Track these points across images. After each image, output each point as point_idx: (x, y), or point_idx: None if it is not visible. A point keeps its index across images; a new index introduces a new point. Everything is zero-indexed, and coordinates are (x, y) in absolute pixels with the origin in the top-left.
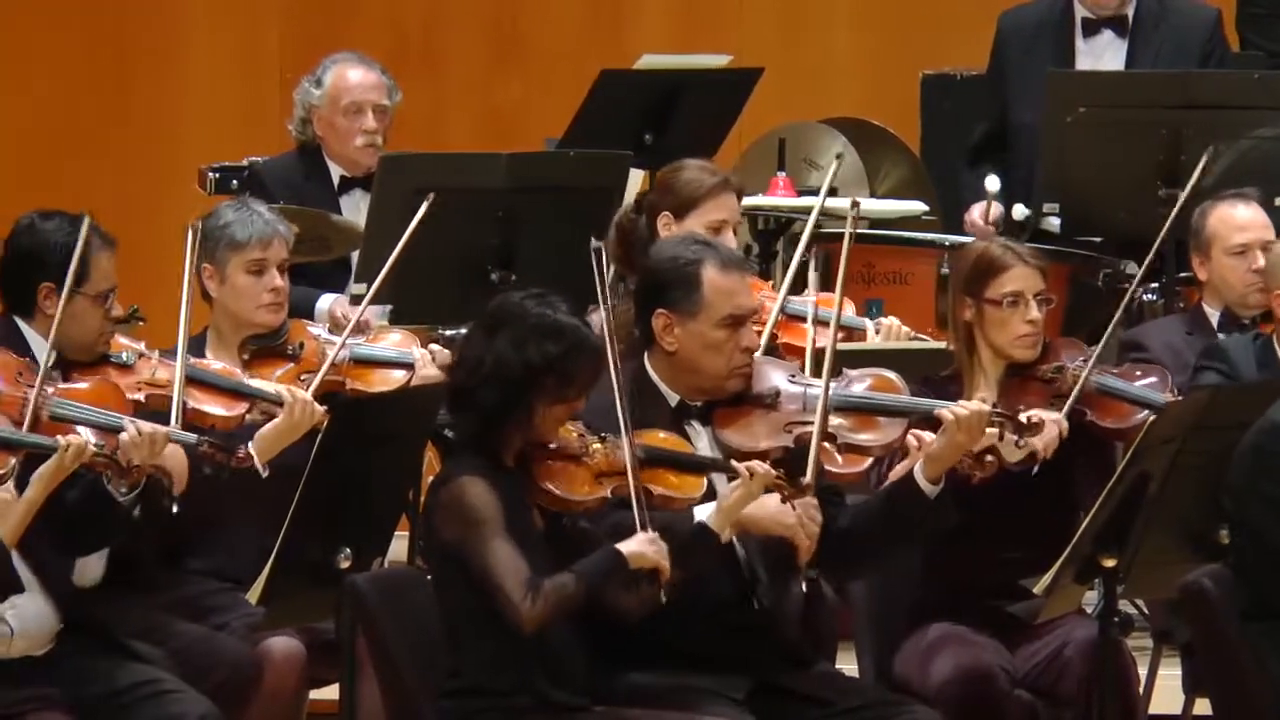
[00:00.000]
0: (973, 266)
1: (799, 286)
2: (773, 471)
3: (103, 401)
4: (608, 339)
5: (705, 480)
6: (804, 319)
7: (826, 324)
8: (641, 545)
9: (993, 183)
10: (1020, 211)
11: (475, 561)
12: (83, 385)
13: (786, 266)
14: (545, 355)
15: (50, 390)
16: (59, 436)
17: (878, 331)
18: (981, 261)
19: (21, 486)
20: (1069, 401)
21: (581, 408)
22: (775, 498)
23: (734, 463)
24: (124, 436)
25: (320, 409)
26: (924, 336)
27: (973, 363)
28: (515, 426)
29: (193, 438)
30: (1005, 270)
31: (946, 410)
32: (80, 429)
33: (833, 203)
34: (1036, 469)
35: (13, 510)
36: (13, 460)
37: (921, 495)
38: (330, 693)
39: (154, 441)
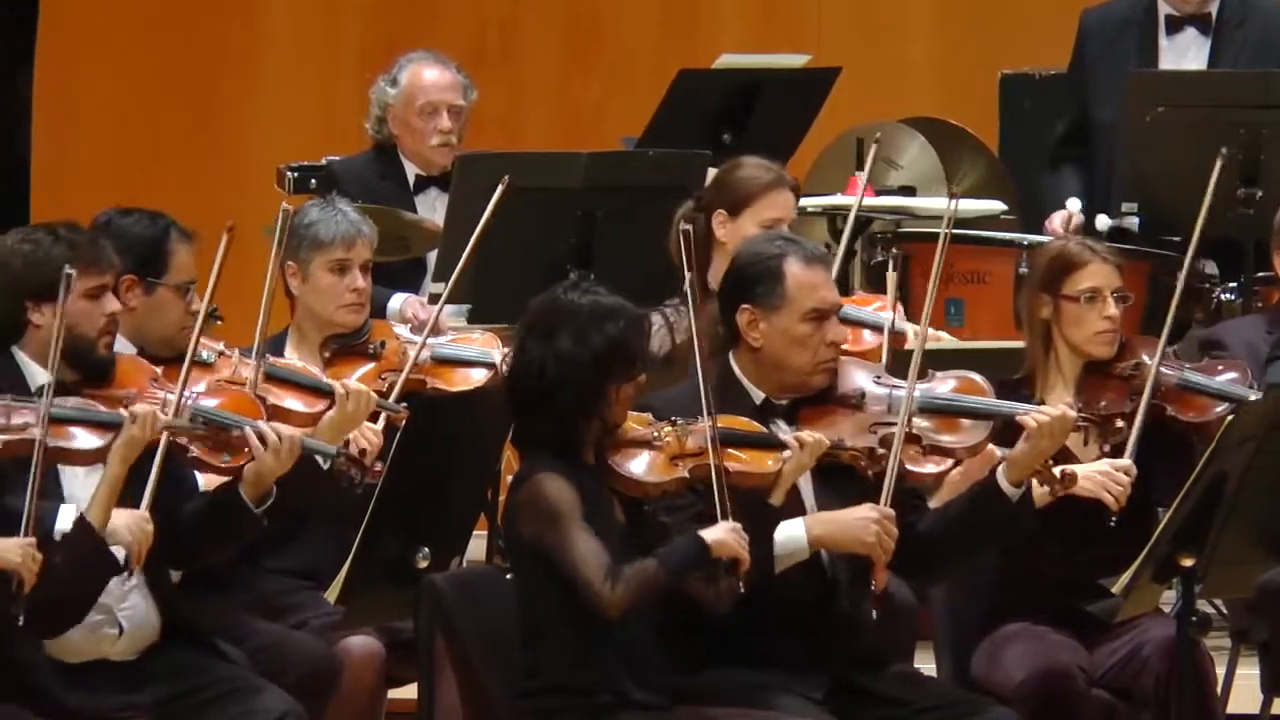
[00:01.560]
0: (1050, 263)
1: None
2: (825, 440)
3: (240, 410)
4: (693, 323)
5: (779, 457)
6: (857, 323)
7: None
8: (724, 533)
9: (1074, 204)
10: (1104, 222)
11: (556, 555)
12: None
13: (864, 266)
14: (608, 337)
15: (190, 397)
16: (122, 409)
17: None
18: (1060, 258)
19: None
20: (1145, 395)
21: (644, 383)
22: (849, 515)
23: (784, 436)
24: (254, 439)
25: (373, 394)
26: (943, 335)
27: (1048, 362)
28: (591, 418)
29: (332, 449)
30: (1083, 266)
31: (1029, 417)
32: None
33: (916, 202)
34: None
35: (96, 493)
36: (101, 440)
37: (1004, 499)
38: (408, 692)
39: (289, 446)
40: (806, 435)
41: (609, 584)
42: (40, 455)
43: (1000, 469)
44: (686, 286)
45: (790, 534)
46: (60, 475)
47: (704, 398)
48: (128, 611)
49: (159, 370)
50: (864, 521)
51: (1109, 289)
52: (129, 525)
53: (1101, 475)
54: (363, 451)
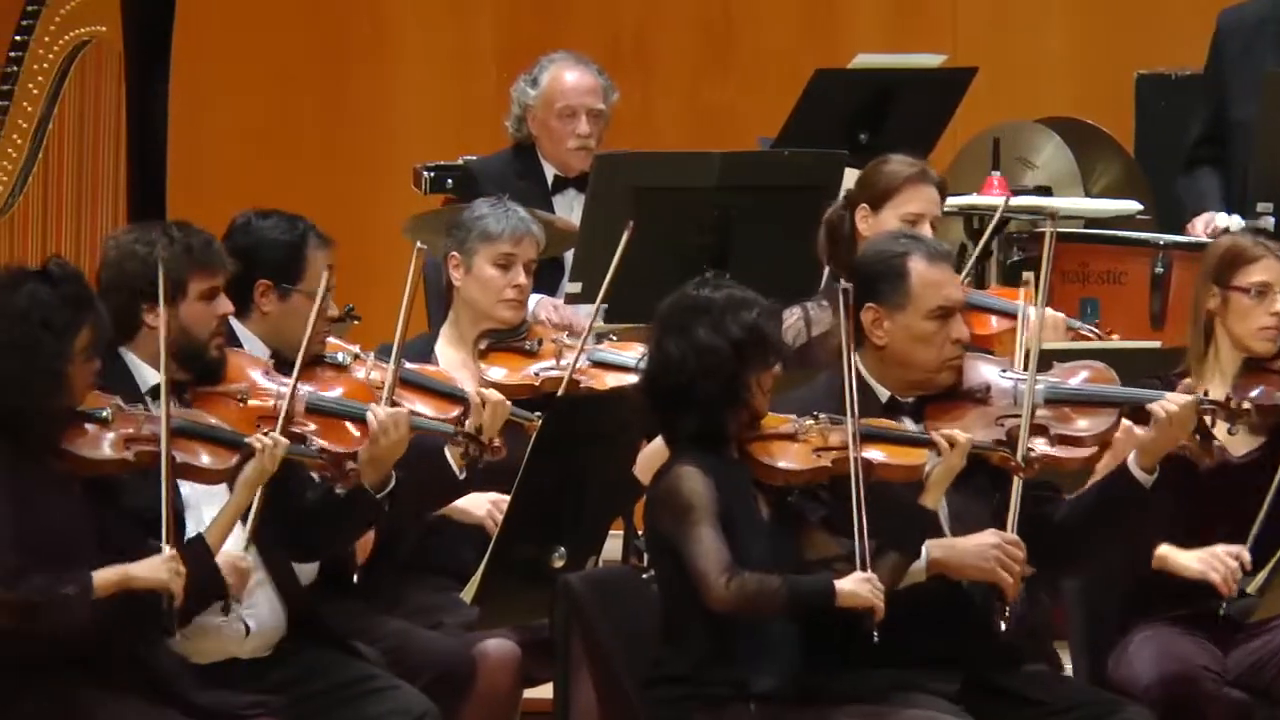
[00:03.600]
0: (1222, 255)
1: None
2: (972, 439)
3: (349, 395)
4: (843, 322)
5: (924, 454)
6: (985, 310)
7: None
8: (856, 584)
9: (1224, 218)
10: (1237, 223)
11: (681, 547)
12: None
13: (1001, 266)
14: (745, 325)
15: (303, 389)
16: (253, 437)
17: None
18: (1232, 251)
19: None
20: None
21: (780, 371)
22: (971, 542)
23: (933, 434)
24: (369, 420)
25: (509, 403)
26: (1075, 322)
27: (1208, 355)
28: (734, 409)
29: (446, 426)
30: (1255, 260)
31: (1157, 405)
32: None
33: (1046, 201)
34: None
35: (218, 518)
36: (233, 460)
37: (1137, 485)
38: (544, 692)
39: (398, 424)
40: (958, 434)
41: (725, 579)
42: (169, 469)
43: (1131, 456)
44: (840, 284)
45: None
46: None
47: (848, 392)
48: (252, 611)
49: (270, 363)
50: (984, 549)
51: (1278, 286)
52: (224, 566)
53: (1210, 556)
54: (479, 429)
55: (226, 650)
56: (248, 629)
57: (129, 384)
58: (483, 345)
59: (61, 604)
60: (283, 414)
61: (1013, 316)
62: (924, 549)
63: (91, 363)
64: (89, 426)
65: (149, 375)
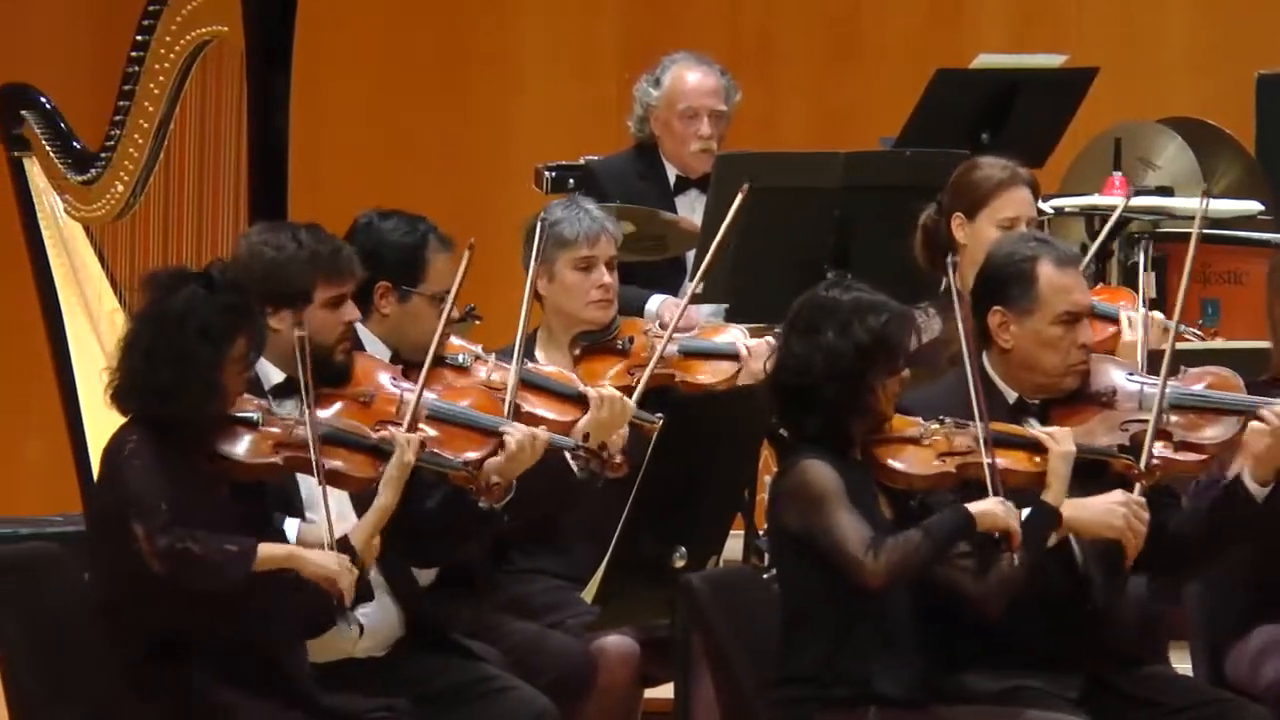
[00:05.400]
0: None
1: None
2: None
3: (481, 406)
4: (960, 323)
5: (1048, 460)
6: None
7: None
8: (991, 505)
9: None
10: None
11: (820, 537)
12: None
13: (1122, 267)
14: (871, 331)
15: (430, 395)
16: (396, 435)
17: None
18: None
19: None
20: None
21: (908, 376)
22: (1101, 501)
23: (1038, 432)
24: (507, 439)
25: (631, 403)
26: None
27: None
28: (858, 413)
29: (571, 442)
30: None
31: (1270, 412)
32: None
33: (1173, 202)
34: None
35: (364, 521)
36: (379, 469)
37: (1250, 498)
38: (664, 691)
39: (534, 445)
40: (1057, 431)
41: (870, 554)
42: (321, 475)
43: (1246, 469)
44: (954, 287)
45: None
46: (299, 480)
47: (974, 396)
48: (364, 611)
49: (398, 368)
50: (1113, 507)
51: None
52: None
53: None
54: (602, 445)
55: (340, 650)
56: (360, 629)
57: (254, 381)
58: (577, 351)
59: (220, 559)
60: (407, 420)
61: (1114, 320)
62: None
63: (245, 370)
64: (240, 430)
65: (272, 374)
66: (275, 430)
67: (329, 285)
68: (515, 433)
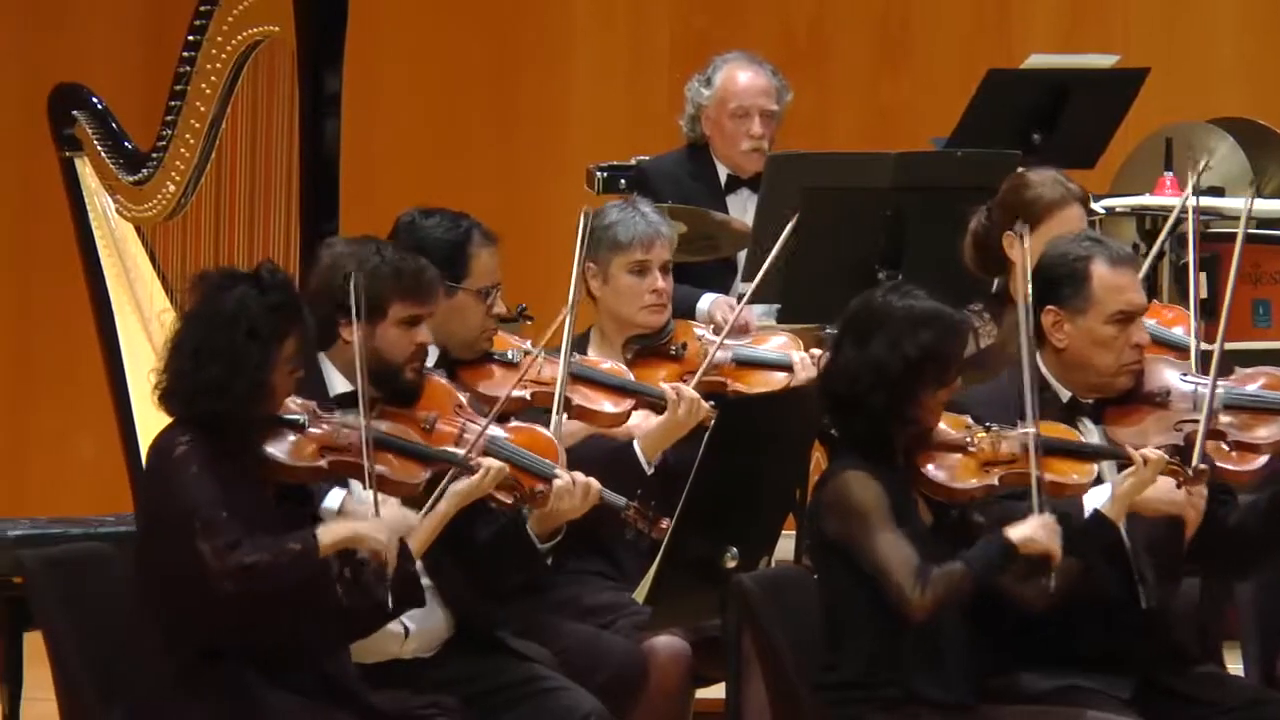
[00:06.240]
0: None
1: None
2: (1166, 456)
3: (537, 449)
4: (1022, 326)
5: (1095, 468)
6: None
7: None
8: (1032, 529)
9: None
10: None
11: (864, 554)
12: (518, 433)
13: (1173, 267)
14: (921, 346)
15: (492, 432)
16: (480, 459)
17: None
18: None
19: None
20: None
21: (959, 387)
22: (1163, 478)
23: (1129, 449)
24: (556, 484)
25: (707, 406)
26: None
27: None
28: (904, 422)
29: (622, 500)
30: None
31: None
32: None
33: (1225, 202)
34: None
35: (422, 524)
36: (424, 474)
37: None
38: (716, 691)
39: (587, 493)
40: (1150, 452)
41: (918, 589)
42: (373, 481)
43: None
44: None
45: (1098, 493)
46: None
47: (1027, 405)
48: (410, 613)
49: (464, 398)
50: (1171, 483)
51: None
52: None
53: None
54: (650, 505)
55: (386, 651)
56: (406, 630)
57: (319, 388)
58: (629, 354)
59: (286, 560)
60: (466, 450)
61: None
62: (1112, 484)
63: (295, 371)
64: (286, 432)
65: (338, 383)
66: (320, 432)
67: (407, 304)
68: (566, 478)
